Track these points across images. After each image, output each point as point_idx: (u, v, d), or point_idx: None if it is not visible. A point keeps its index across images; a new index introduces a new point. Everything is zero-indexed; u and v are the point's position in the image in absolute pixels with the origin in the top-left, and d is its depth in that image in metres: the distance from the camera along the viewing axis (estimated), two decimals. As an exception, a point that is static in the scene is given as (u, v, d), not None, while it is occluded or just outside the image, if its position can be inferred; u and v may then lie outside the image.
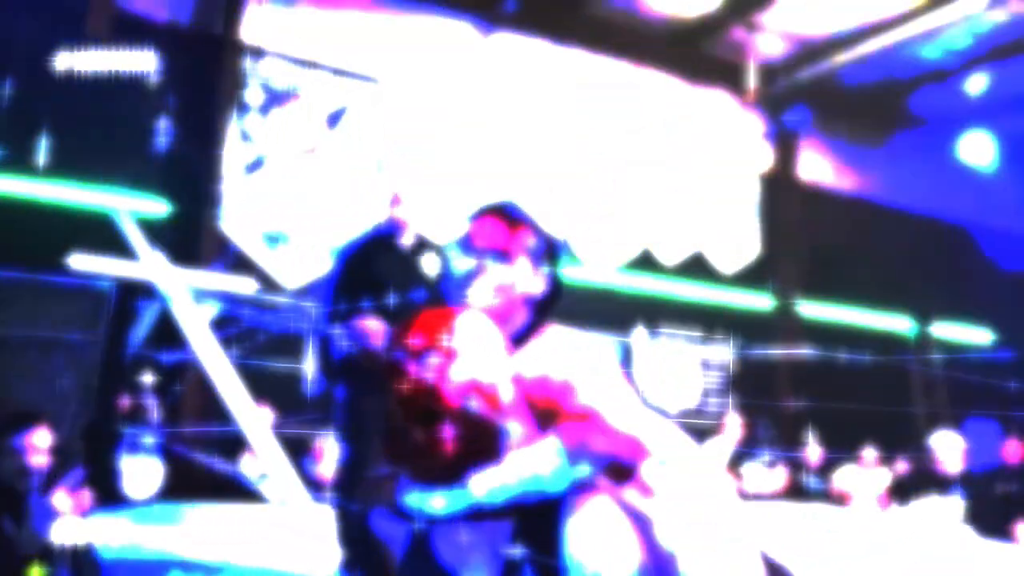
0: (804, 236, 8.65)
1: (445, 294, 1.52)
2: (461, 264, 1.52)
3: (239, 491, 4.82)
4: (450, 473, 1.27)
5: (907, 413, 8.39)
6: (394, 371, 1.31)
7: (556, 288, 1.57)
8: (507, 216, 1.56)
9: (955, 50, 7.52)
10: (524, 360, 1.39)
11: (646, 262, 7.99)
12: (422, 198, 3.66)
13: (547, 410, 1.31)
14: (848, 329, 8.72)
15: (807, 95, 8.19)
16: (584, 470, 1.27)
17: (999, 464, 6.58)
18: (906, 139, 8.76)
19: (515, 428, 1.30)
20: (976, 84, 8.09)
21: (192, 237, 6.18)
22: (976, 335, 9.50)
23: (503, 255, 1.50)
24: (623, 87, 8.02)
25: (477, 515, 1.29)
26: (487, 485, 1.27)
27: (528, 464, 1.27)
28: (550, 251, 1.57)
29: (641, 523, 1.27)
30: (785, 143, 8.65)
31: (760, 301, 8.62)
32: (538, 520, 1.28)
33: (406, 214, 3.38)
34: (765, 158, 8.70)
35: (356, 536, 3.10)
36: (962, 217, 9.05)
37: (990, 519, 5.15)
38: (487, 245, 1.51)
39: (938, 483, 5.75)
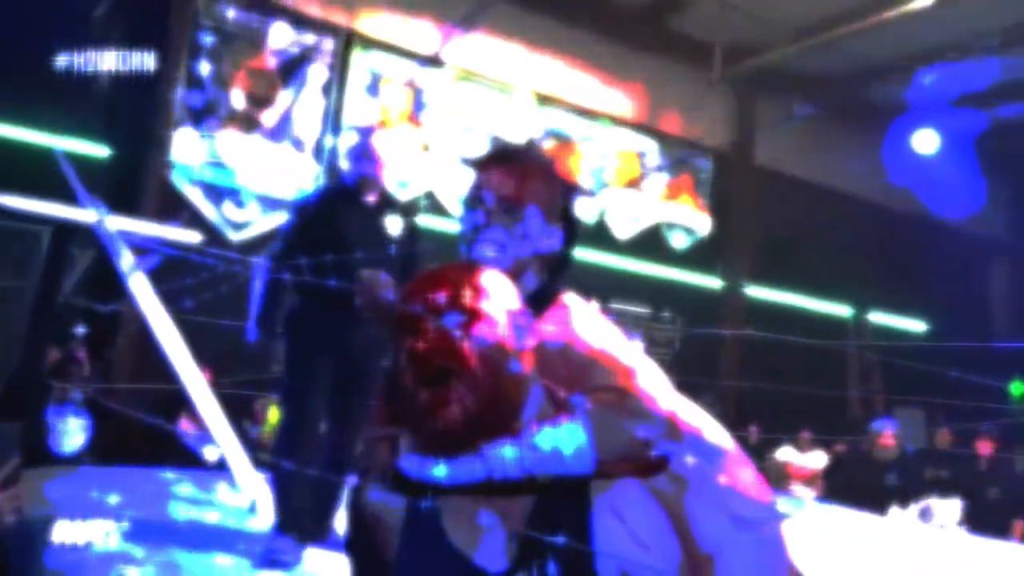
0: (756, 219, 8.72)
1: (467, 251, 1.35)
2: (466, 216, 1.36)
3: (176, 451, 4.64)
4: (460, 442, 1.12)
5: (844, 397, 8.61)
6: (406, 325, 1.12)
7: (571, 246, 1.41)
8: (517, 162, 1.38)
9: (912, 44, 7.60)
10: (546, 328, 1.25)
11: (599, 236, 7.95)
12: (393, 156, 3.46)
13: (572, 383, 1.16)
14: (792, 312, 8.88)
15: (770, 77, 8.20)
16: (611, 451, 1.12)
17: (929, 450, 6.81)
18: (863, 127, 8.87)
19: (536, 399, 1.15)
20: (930, 78, 8.22)
21: (135, 183, 5.88)
22: (911, 324, 9.79)
23: (511, 206, 1.33)
24: (586, 59, 7.91)
25: (489, 491, 1.14)
26: (501, 459, 1.12)
27: (549, 441, 1.11)
28: (566, 204, 1.40)
29: (673, 511, 1.15)
30: (743, 124, 8.67)
31: (709, 281, 8.69)
32: (561, 502, 1.14)
33: (376, 170, 3.18)
34: (723, 138, 8.72)
35: (298, 500, 2.99)
36: (911, 209, 9.25)
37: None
38: (493, 194, 1.34)
39: (872, 466, 5.92)
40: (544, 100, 7.77)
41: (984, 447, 6.04)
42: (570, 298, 1.35)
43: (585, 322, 1.28)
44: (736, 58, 7.84)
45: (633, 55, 8.02)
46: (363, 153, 3.19)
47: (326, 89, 6.83)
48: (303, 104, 6.72)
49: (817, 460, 6.43)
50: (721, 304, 8.68)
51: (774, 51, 7.64)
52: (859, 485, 5.74)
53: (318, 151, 6.75)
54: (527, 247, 1.33)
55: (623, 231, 8.20)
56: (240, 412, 5.22)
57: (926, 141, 9.05)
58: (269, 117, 6.57)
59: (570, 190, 1.43)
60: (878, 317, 9.62)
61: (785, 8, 7.28)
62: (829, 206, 8.92)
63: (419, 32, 7.16)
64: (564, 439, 1.11)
